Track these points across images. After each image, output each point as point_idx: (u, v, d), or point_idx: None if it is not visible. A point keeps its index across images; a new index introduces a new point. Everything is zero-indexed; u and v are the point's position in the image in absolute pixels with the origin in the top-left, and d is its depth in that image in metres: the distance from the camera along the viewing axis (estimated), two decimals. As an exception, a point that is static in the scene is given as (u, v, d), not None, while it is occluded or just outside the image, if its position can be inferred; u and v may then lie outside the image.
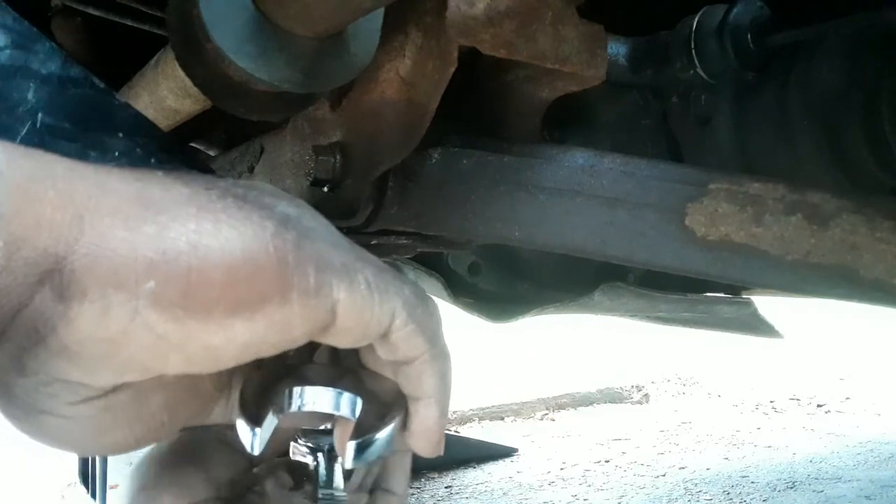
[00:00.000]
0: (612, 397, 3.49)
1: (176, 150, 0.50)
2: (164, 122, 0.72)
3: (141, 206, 0.28)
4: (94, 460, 2.01)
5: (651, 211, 0.58)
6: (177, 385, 0.34)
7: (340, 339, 0.32)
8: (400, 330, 0.33)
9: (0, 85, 0.42)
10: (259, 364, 0.40)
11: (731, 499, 2.19)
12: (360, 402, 0.36)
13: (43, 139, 0.42)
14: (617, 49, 0.81)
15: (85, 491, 2.06)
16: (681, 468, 2.48)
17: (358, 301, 0.31)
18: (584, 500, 2.20)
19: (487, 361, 4.04)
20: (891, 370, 3.77)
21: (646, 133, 0.92)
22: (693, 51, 0.75)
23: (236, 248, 0.28)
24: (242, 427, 0.33)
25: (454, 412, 3.04)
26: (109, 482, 1.94)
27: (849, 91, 0.72)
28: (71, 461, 2.17)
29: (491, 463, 2.54)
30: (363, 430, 0.35)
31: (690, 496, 2.22)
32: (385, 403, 0.37)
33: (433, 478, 2.39)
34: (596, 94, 0.83)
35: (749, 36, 0.73)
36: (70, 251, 0.26)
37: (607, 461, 2.57)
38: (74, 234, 0.26)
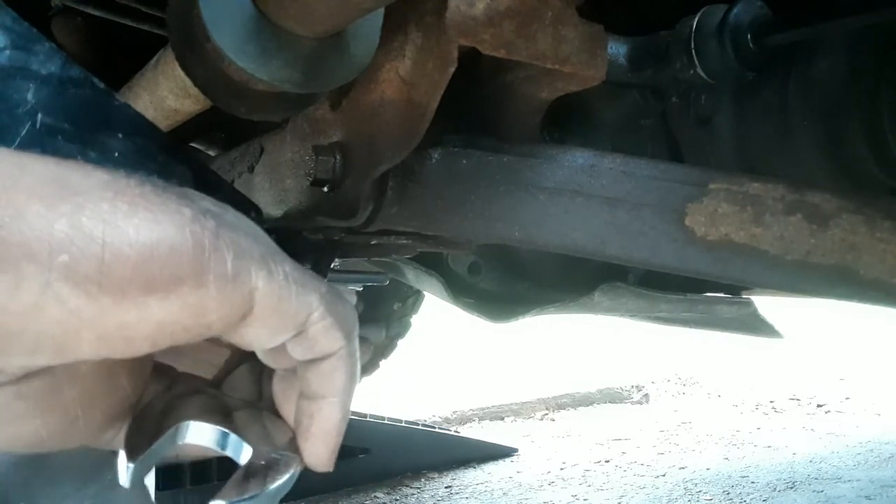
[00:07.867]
0: (612, 397, 3.49)
1: (176, 151, 0.50)
2: (164, 122, 0.72)
3: (58, 187, 0.28)
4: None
5: (651, 211, 0.58)
6: (92, 378, 0.34)
7: (258, 329, 0.32)
8: (318, 322, 0.34)
9: None
10: (169, 385, 0.40)
11: (731, 499, 2.19)
12: (246, 448, 0.35)
13: (42, 140, 0.42)
14: (617, 49, 0.81)
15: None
16: (681, 468, 2.48)
17: (276, 290, 0.31)
18: (584, 500, 2.20)
19: (487, 361, 4.04)
20: (891, 370, 3.76)
21: (646, 133, 0.92)
22: (693, 51, 0.75)
23: (152, 228, 0.28)
24: (122, 458, 0.34)
25: (454, 412, 3.04)
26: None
27: (848, 91, 0.72)
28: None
29: (491, 463, 2.54)
30: (248, 476, 0.34)
31: (690, 496, 2.22)
32: (273, 460, 0.36)
33: (433, 478, 2.39)
34: (596, 94, 0.83)
35: (749, 36, 0.73)
36: None
37: (607, 461, 2.56)
38: None
